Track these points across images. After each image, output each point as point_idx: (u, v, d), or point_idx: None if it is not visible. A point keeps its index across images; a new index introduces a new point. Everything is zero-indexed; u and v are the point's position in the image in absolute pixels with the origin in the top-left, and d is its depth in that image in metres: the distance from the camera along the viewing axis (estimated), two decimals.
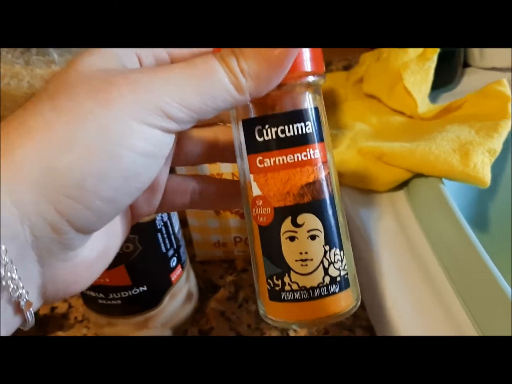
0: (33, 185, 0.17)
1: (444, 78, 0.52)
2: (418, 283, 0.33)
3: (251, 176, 0.22)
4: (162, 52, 0.22)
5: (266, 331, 0.39)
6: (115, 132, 0.18)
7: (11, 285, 0.18)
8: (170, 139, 0.20)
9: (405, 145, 0.40)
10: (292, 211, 0.21)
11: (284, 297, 0.22)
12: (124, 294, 0.34)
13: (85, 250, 0.21)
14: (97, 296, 0.35)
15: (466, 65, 0.56)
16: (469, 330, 0.29)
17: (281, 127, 0.21)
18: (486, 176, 0.37)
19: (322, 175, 0.22)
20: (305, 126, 0.21)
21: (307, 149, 0.21)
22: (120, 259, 0.33)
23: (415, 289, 0.33)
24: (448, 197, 0.36)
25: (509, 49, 0.53)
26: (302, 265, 0.22)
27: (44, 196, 0.17)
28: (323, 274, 0.22)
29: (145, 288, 0.35)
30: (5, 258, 0.17)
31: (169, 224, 0.35)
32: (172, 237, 0.35)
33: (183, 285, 0.38)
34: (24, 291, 0.18)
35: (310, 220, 0.21)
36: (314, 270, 0.22)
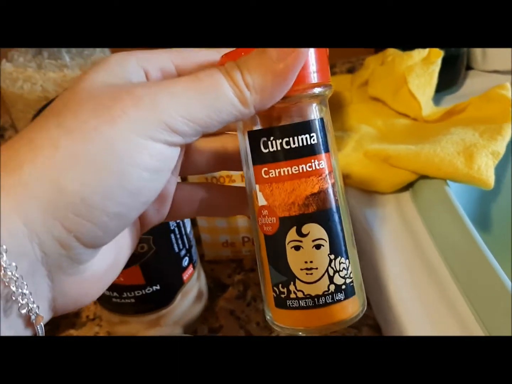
0: (41, 203, 0.17)
1: (448, 81, 0.53)
2: (424, 282, 0.34)
3: (257, 186, 0.22)
4: (169, 64, 0.22)
5: (274, 329, 0.40)
6: (120, 149, 0.18)
7: (22, 300, 0.18)
8: (176, 153, 0.20)
9: (411, 148, 0.41)
10: (297, 221, 0.22)
11: (289, 304, 0.22)
12: (138, 293, 0.35)
13: (94, 264, 0.21)
14: (111, 295, 0.35)
15: (469, 68, 0.57)
16: (473, 325, 0.30)
17: (286, 139, 0.21)
18: (490, 178, 0.38)
19: (327, 185, 0.22)
20: (310, 137, 0.21)
21: (312, 160, 0.22)
22: (134, 259, 0.33)
23: (421, 288, 0.33)
24: (453, 198, 0.37)
25: (510, 52, 0.54)
26: (307, 273, 0.22)
27: (51, 213, 0.18)
28: (328, 282, 0.22)
29: (158, 287, 0.36)
30: (16, 274, 0.17)
31: (181, 225, 0.36)
32: (185, 237, 0.36)
33: (194, 284, 0.39)
34: (35, 305, 0.18)
35: (315, 230, 0.22)
36: (319, 279, 0.22)
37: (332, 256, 0.22)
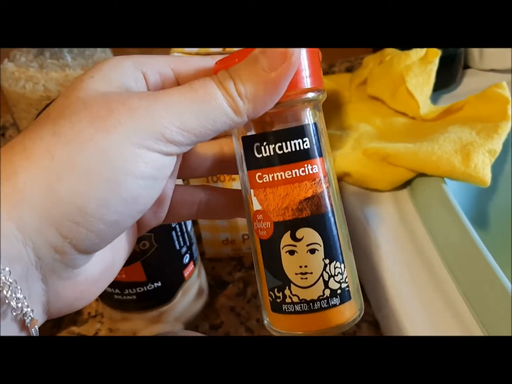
0: (36, 209, 0.18)
1: (445, 80, 0.53)
2: (421, 279, 0.34)
3: (252, 191, 0.23)
4: (167, 69, 0.22)
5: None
6: (115, 158, 0.18)
7: (16, 305, 0.18)
8: (171, 161, 0.20)
9: (409, 146, 0.41)
10: (291, 226, 0.22)
11: (285, 309, 0.22)
12: (140, 289, 0.36)
13: (89, 268, 0.21)
14: (113, 291, 0.36)
15: (466, 66, 0.57)
16: (470, 321, 0.31)
17: (278, 144, 0.22)
18: (486, 176, 0.38)
19: (321, 189, 0.22)
20: (303, 142, 0.22)
21: (305, 165, 0.22)
22: (136, 256, 0.34)
23: (419, 285, 0.34)
24: (450, 196, 0.38)
25: (507, 51, 0.54)
26: (302, 278, 0.22)
27: (46, 220, 0.18)
28: (323, 287, 0.22)
29: (159, 284, 0.36)
30: (9, 279, 0.17)
31: (182, 222, 0.36)
32: (186, 235, 0.37)
33: (195, 281, 0.40)
34: (29, 309, 0.18)
35: (309, 234, 0.22)
36: (314, 283, 0.22)
37: (327, 261, 0.22)
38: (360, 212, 0.41)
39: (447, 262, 0.35)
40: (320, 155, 0.22)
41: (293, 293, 0.22)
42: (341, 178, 0.44)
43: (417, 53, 0.49)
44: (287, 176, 0.22)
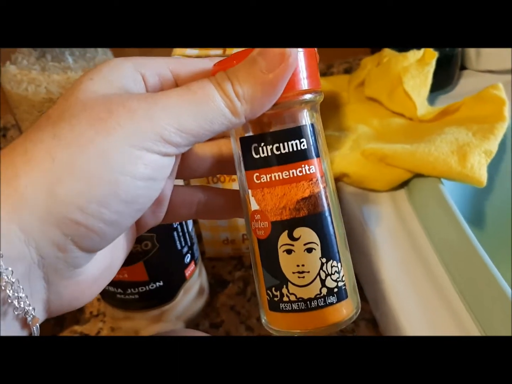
0: (37, 210, 0.18)
1: (442, 81, 0.54)
2: (419, 277, 0.35)
3: (249, 191, 0.23)
4: (166, 70, 0.22)
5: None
6: (115, 160, 0.19)
7: (18, 303, 0.18)
8: (170, 162, 0.21)
9: (406, 147, 0.42)
10: (289, 225, 0.22)
11: (283, 307, 0.23)
12: (142, 289, 0.36)
13: (90, 268, 0.21)
14: (116, 291, 0.36)
15: (463, 67, 0.58)
16: (466, 319, 0.32)
17: (276, 145, 0.22)
18: (482, 176, 0.39)
19: (318, 189, 0.22)
20: (300, 143, 0.22)
21: (302, 165, 0.22)
22: (138, 256, 0.34)
23: (416, 283, 0.34)
24: (447, 196, 0.38)
25: (504, 52, 0.55)
26: (299, 277, 0.22)
27: (48, 220, 0.18)
28: (320, 285, 0.22)
29: (161, 283, 0.37)
30: (12, 279, 0.18)
31: (183, 223, 0.37)
32: (187, 235, 0.37)
33: (196, 280, 0.40)
34: (30, 308, 0.19)
35: (306, 234, 0.22)
36: (311, 282, 0.22)
37: (324, 260, 0.22)
38: (358, 212, 0.41)
39: (444, 261, 0.35)
40: (317, 155, 0.22)
41: (291, 291, 0.22)
42: (340, 179, 0.45)
43: (414, 55, 0.49)
44: (284, 176, 0.22)
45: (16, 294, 0.18)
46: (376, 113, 0.50)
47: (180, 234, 0.37)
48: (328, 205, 0.23)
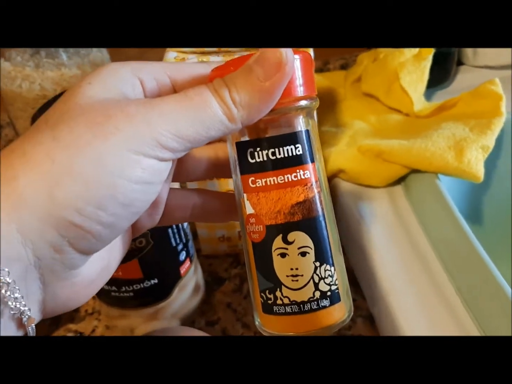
0: (36, 212, 0.18)
1: (439, 77, 0.54)
2: (416, 273, 0.35)
3: (245, 195, 0.23)
4: (163, 75, 0.23)
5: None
6: (112, 163, 0.19)
7: (14, 304, 0.18)
8: (166, 166, 0.21)
9: (403, 143, 0.42)
10: (283, 229, 0.22)
11: (276, 310, 0.23)
12: (136, 286, 0.36)
13: (86, 269, 0.21)
14: (110, 289, 0.36)
15: (460, 63, 0.58)
16: (463, 315, 0.31)
17: (271, 150, 0.22)
18: (479, 171, 0.39)
19: (313, 194, 0.23)
20: (296, 148, 0.22)
21: (297, 170, 0.22)
22: (133, 253, 0.34)
23: (413, 279, 0.34)
24: (444, 192, 0.38)
25: (501, 48, 0.55)
26: (293, 280, 0.22)
27: (46, 221, 0.18)
28: (313, 289, 0.22)
29: (156, 281, 0.36)
30: (8, 280, 0.18)
31: None
32: (182, 232, 0.37)
33: (191, 277, 0.40)
34: (26, 308, 0.19)
35: (300, 238, 0.22)
36: (305, 285, 0.22)
37: (318, 263, 0.23)
38: (355, 208, 0.41)
39: (441, 256, 0.35)
40: (312, 161, 0.23)
41: (284, 295, 0.23)
42: (336, 175, 0.45)
43: (410, 51, 0.49)
44: (279, 181, 0.22)
45: (12, 295, 0.18)
46: (373, 109, 0.50)
47: (175, 231, 0.36)
48: (322, 209, 0.23)
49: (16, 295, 0.18)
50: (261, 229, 0.23)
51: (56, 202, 0.18)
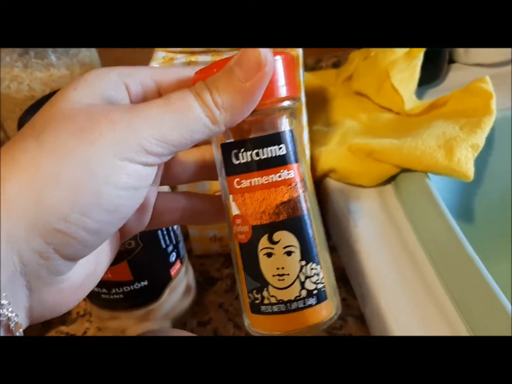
0: (22, 218, 0.18)
1: (430, 75, 0.54)
2: (406, 273, 0.35)
3: (231, 196, 0.23)
4: (149, 80, 0.23)
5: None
6: (97, 169, 0.19)
7: (1, 310, 0.18)
8: (152, 171, 0.21)
9: (393, 142, 0.42)
10: (269, 229, 0.23)
11: (264, 310, 0.23)
12: (126, 288, 0.36)
13: (72, 275, 0.21)
14: (100, 291, 0.36)
15: (451, 61, 0.58)
16: (453, 314, 0.32)
17: (255, 151, 0.22)
18: (469, 170, 0.39)
19: (297, 194, 0.23)
20: (279, 148, 0.22)
21: (281, 170, 0.22)
22: (122, 255, 0.34)
23: (403, 279, 0.34)
24: (434, 191, 0.38)
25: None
26: (279, 279, 0.23)
27: (32, 228, 0.18)
28: (299, 288, 0.23)
29: (146, 283, 0.36)
30: None
31: None
32: (172, 233, 0.37)
33: (182, 279, 0.40)
34: (13, 314, 0.19)
35: (285, 237, 0.23)
36: (291, 285, 0.23)
37: (303, 262, 0.23)
38: (345, 207, 0.41)
39: (430, 256, 0.35)
40: (296, 161, 0.23)
41: (271, 294, 0.23)
42: (327, 174, 0.44)
43: (401, 49, 0.49)
44: (264, 182, 0.22)
45: None
46: (364, 107, 0.50)
47: (165, 233, 0.36)
48: (307, 209, 0.23)
49: (3, 301, 0.18)
50: (247, 230, 0.23)
51: (42, 208, 0.18)
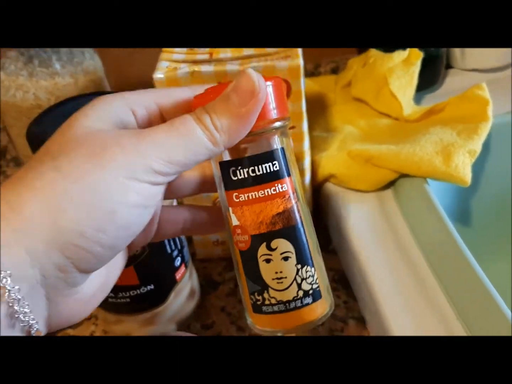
0: (42, 237, 0.20)
1: (428, 80, 0.54)
2: (404, 276, 0.35)
3: (230, 209, 0.25)
4: (152, 103, 0.25)
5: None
6: (110, 190, 0.21)
7: (24, 318, 0.20)
8: (160, 190, 0.23)
9: (392, 148, 0.42)
10: (266, 237, 0.25)
11: (265, 310, 0.25)
12: (133, 292, 0.37)
13: (86, 286, 0.23)
14: (107, 295, 0.37)
15: (448, 66, 0.58)
16: (450, 316, 0.32)
17: (251, 167, 0.24)
18: (466, 175, 0.40)
19: (291, 204, 0.25)
20: (273, 165, 0.25)
21: (276, 184, 0.25)
22: (129, 260, 0.34)
23: (402, 282, 0.35)
24: (432, 196, 0.39)
25: (488, 51, 0.56)
26: (278, 282, 0.25)
27: (51, 244, 0.20)
28: (297, 289, 0.25)
29: (152, 287, 0.37)
30: (18, 296, 0.19)
31: None
32: (177, 238, 0.38)
33: (187, 282, 0.41)
34: (34, 322, 0.21)
35: (282, 244, 0.25)
36: (289, 286, 0.25)
37: (299, 266, 0.25)
38: (345, 212, 0.42)
39: (429, 261, 0.36)
40: (289, 174, 0.25)
41: (271, 295, 0.25)
42: (327, 180, 0.45)
43: (399, 55, 0.50)
44: (260, 195, 0.25)
45: (22, 309, 0.20)
46: (363, 113, 0.51)
47: (170, 238, 0.37)
48: (300, 217, 0.25)
49: (25, 310, 0.20)
50: (247, 239, 0.25)
51: (60, 227, 0.20)
